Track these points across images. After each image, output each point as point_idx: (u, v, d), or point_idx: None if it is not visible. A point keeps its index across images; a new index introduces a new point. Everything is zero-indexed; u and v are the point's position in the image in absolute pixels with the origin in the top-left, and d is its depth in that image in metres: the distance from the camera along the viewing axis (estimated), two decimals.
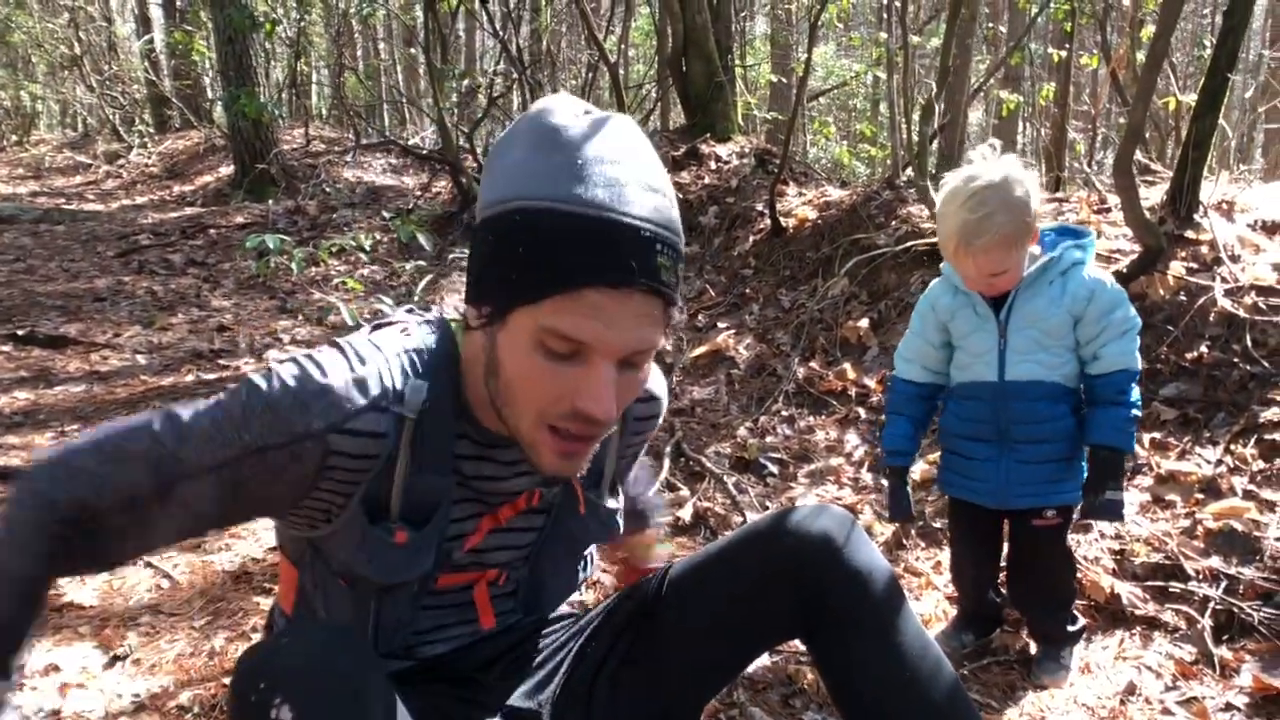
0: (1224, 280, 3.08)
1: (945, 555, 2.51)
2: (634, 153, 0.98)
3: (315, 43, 13.36)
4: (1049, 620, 2.05)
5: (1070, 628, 2.04)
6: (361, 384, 1.05)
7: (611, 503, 1.30)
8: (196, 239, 7.48)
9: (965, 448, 1.99)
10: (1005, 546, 2.14)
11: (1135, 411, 1.87)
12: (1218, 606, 2.15)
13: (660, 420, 1.32)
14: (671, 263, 0.97)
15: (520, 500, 1.20)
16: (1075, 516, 2.02)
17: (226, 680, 2.01)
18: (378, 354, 1.08)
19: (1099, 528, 2.47)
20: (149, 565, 2.57)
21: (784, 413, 3.48)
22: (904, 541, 2.64)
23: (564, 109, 1.00)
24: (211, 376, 4.43)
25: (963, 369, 1.98)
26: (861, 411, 3.37)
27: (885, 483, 2.35)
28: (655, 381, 1.31)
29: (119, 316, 5.55)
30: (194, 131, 12.35)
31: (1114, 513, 1.88)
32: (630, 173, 0.96)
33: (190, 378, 4.42)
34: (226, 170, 9.86)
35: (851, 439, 3.21)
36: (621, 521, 1.35)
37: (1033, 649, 2.12)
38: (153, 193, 10.25)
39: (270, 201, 8.13)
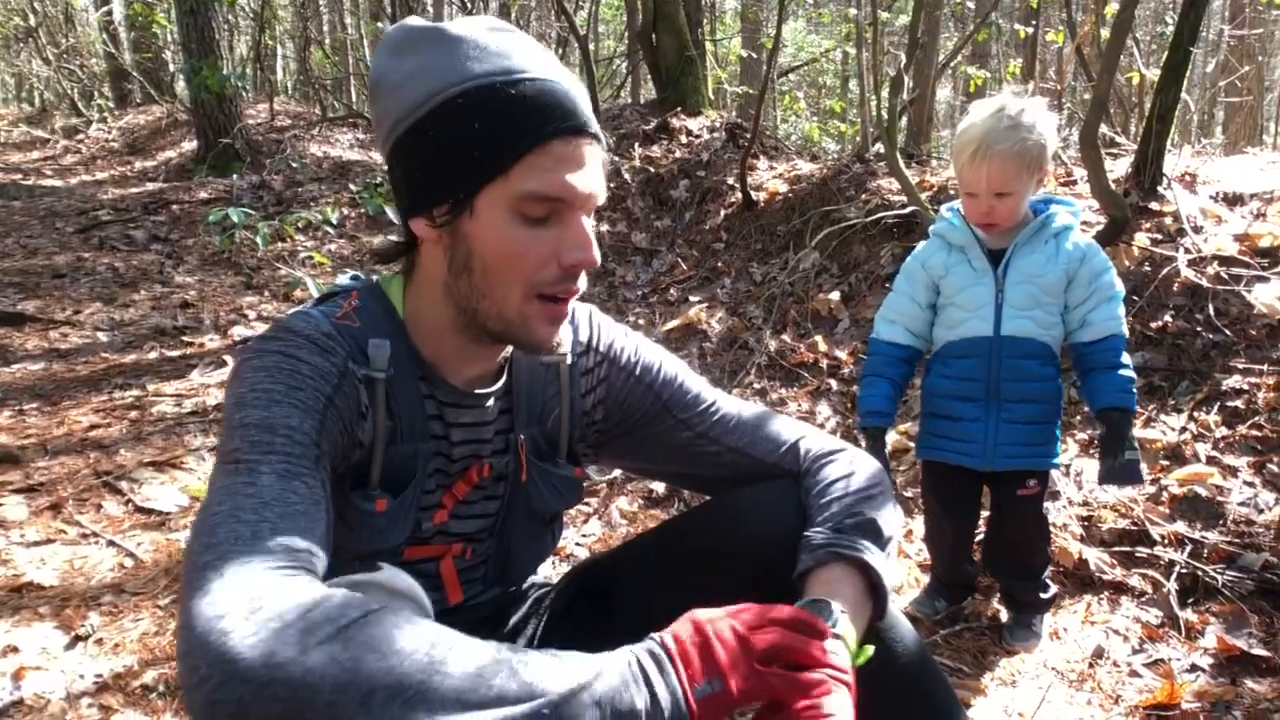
0: (1187, 251, 3.12)
1: (917, 523, 2.52)
2: (521, 36, 1.05)
3: (280, 16, 13.10)
4: (1024, 588, 2.07)
5: (1043, 595, 2.06)
6: (329, 351, 1.03)
7: (568, 470, 1.27)
8: (159, 215, 7.33)
9: (952, 408, 1.98)
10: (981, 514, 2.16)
11: (1132, 373, 1.89)
12: (1183, 570, 2.19)
13: (621, 370, 1.28)
14: (595, 114, 1.05)
15: (472, 473, 1.19)
16: (1099, 483, 2.03)
17: None
18: (322, 322, 1.06)
19: (1067, 494, 2.49)
20: (111, 544, 2.53)
21: (756, 385, 3.48)
22: None
23: (418, 21, 1.05)
24: (175, 353, 4.36)
25: (953, 327, 1.97)
26: (833, 383, 3.38)
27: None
28: (603, 334, 1.29)
29: (79, 293, 5.44)
30: (155, 106, 12.09)
31: (1134, 474, 1.86)
32: (532, 47, 1.03)
33: (153, 354, 4.34)
34: (189, 145, 9.67)
35: (823, 410, 3.22)
36: (583, 489, 1.33)
37: (1004, 615, 2.14)
38: (113, 168, 10.04)
39: (235, 176, 7.98)
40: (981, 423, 1.94)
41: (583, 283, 1.06)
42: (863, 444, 2.03)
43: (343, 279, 1.19)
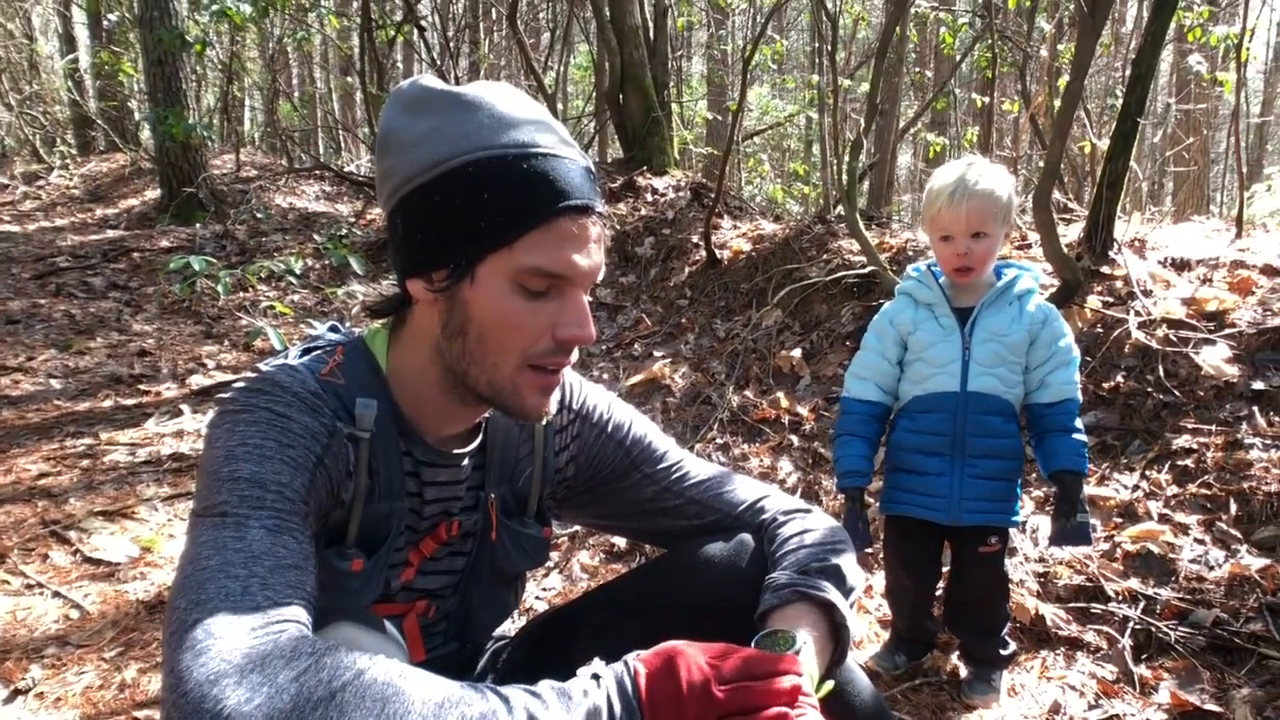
0: (1137, 314, 3.21)
1: (877, 579, 2.53)
2: (536, 108, 1.05)
3: (249, 68, 13.16)
4: (984, 644, 2.08)
5: (1003, 651, 2.07)
6: (316, 410, 1.03)
7: (536, 529, 1.28)
8: (119, 262, 7.25)
9: (918, 462, 2.00)
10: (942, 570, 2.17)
11: (1084, 437, 1.95)
12: (1137, 626, 2.21)
13: (593, 427, 1.30)
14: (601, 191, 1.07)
15: (441, 531, 1.19)
16: (1050, 543, 2.07)
17: (138, 713, 1.93)
18: (309, 379, 1.05)
19: (1023, 551, 2.52)
20: (57, 595, 2.46)
21: (719, 440, 3.50)
22: None
23: (433, 81, 1.06)
24: (130, 402, 4.29)
25: (919, 382, 2.00)
26: (794, 439, 3.40)
27: (829, 501, 2.34)
28: (576, 391, 1.31)
29: (33, 340, 5.34)
30: (119, 154, 12.02)
31: (1084, 536, 1.91)
32: (547, 121, 1.04)
33: (108, 403, 4.26)
34: (152, 194, 9.60)
35: (785, 466, 3.24)
36: (550, 548, 1.33)
37: (963, 671, 2.14)
38: (74, 215, 9.92)
39: (198, 225, 7.94)
40: (947, 477, 1.96)
41: (574, 355, 1.07)
42: (839, 505, 2.03)
43: (321, 328, 1.19)
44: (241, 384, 1.03)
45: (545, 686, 0.87)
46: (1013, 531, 2.52)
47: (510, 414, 1.09)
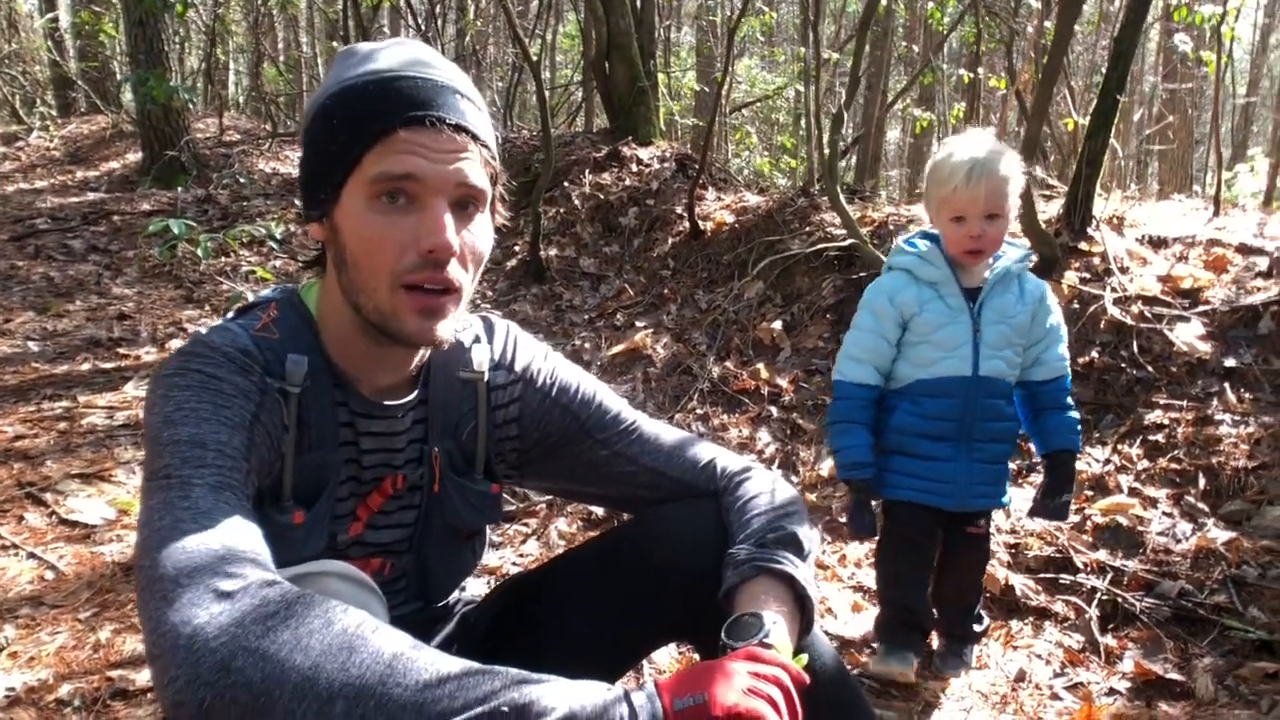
0: (1114, 290, 3.23)
1: (850, 549, 2.56)
2: (417, 46, 1.09)
3: (233, 32, 12.97)
4: (962, 620, 2.08)
5: (977, 627, 2.09)
6: (246, 369, 1.05)
7: (485, 485, 1.27)
8: (99, 225, 7.17)
9: (923, 447, 1.92)
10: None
11: (1077, 414, 1.96)
12: (1104, 597, 2.25)
13: (537, 391, 1.29)
14: (476, 112, 1.06)
15: (386, 485, 1.19)
16: (1029, 514, 2.07)
17: (111, 673, 1.94)
18: (241, 337, 1.07)
19: (995, 523, 2.55)
20: (31, 556, 2.46)
21: (699, 410, 3.51)
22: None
23: (358, 44, 1.11)
24: (109, 365, 4.26)
25: (926, 365, 1.91)
26: (773, 410, 3.42)
27: (813, 489, 2.35)
28: (520, 352, 1.30)
29: (10, 302, 5.30)
30: (100, 116, 11.83)
31: (1064, 512, 1.95)
32: (416, 52, 1.07)
33: (86, 366, 4.24)
34: (134, 157, 9.47)
35: (763, 437, 3.26)
36: (501, 506, 1.33)
37: (934, 643, 2.16)
38: (53, 177, 9.78)
39: (179, 189, 7.84)
40: (954, 462, 1.91)
41: (459, 275, 1.05)
42: (815, 475, 2.03)
43: (265, 292, 1.20)
44: (178, 349, 1.05)
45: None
46: None
47: (400, 340, 1.08)
